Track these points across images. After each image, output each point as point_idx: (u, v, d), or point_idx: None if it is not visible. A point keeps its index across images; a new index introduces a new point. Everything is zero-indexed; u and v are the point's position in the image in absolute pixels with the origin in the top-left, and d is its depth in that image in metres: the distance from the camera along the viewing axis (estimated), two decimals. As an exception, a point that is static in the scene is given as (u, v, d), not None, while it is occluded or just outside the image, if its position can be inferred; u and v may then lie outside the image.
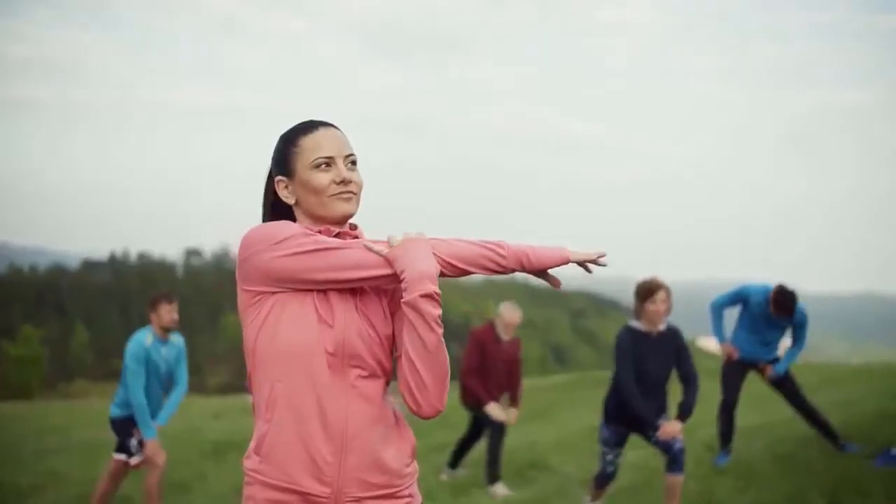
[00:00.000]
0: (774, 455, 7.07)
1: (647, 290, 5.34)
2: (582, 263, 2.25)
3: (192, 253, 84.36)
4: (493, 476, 7.25)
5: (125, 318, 67.97)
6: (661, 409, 5.43)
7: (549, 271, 2.25)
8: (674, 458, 5.33)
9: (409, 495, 2.19)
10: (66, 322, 67.85)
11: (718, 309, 7.10)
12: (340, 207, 2.17)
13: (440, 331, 2.07)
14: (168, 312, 6.26)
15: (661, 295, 5.32)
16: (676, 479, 5.36)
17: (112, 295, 73.11)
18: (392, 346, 2.19)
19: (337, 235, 2.18)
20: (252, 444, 2.14)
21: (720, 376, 7.19)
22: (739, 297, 7.06)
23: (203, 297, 71.03)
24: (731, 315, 7.21)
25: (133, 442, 6.24)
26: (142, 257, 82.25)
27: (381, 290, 2.20)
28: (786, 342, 7.16)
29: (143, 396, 6.12)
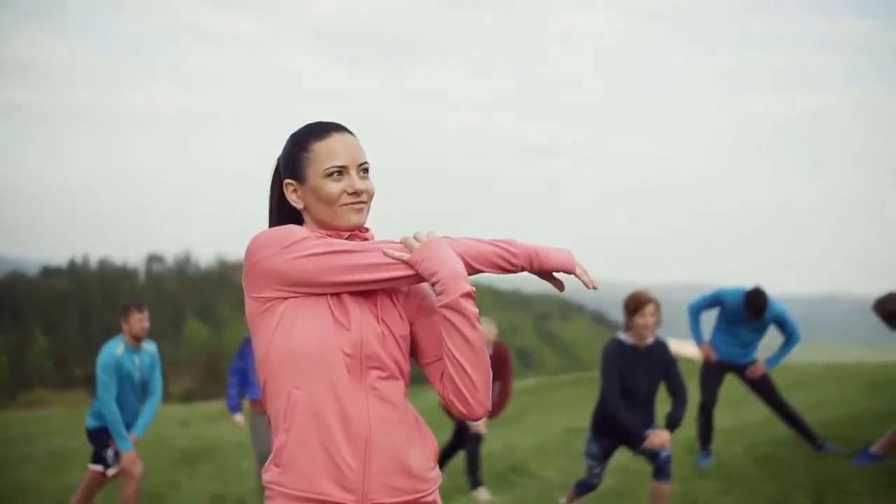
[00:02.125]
0: (754, 457, 7.09)
1: (635, 304, 5.30)
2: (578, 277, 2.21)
3: (154, 259, 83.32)
4: (475, 481, 7.21)
5: (85, 325, 67.06)
6: (648, 422, 5.39)
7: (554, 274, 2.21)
8: (660, 467, 5.30)
9: (434, 501, 2.13)
10: (24, 330, 66.74)
11: (695, 312, 7.11)
12: (351, 218, 2.11)
13: (480, 329, 2.03)
14: (139, 321, 6.13)
15: (649, 308, 5.28)
16: (663, 486, 5.34)
17: (72, 302, 72.04)
18: (408, 347, 2.13)
19: (348, 238, 2.12)
20: (271, 457, 2.07)
21: (698, 378, 7.20)
22: (716, 300, 7.09)
23: (166, 303, 70.15)
24: (709, 318, 7.23)
25: (109, 453, 6.12)
26: (102, 263, 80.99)
27: (395, 291, 2.14)
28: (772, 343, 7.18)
29: (116, 408, 6.01)
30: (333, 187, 2.09)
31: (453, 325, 2.00)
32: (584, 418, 11.03)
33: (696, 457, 7.08)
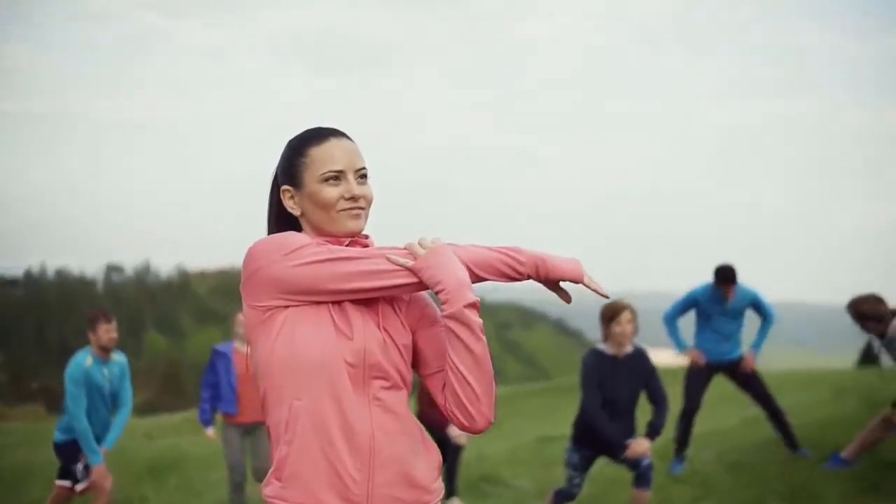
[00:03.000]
0: (727, 463, 7.13)
1: (611, 312, 5.29)
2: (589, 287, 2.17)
3: (112, 269, 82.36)
4: (450, 491, 7.18)
5: (41, 337, 65.99)
6: (629, 432, 5.38)
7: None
8: (642, 474, 5.30)
9: None
10: (-21, 342, 65.55)
11: (671, 319, 7.15)
12: (348, 224, 2.08)
13: (485, 340, 2.00)
14: (107, 332, 6.02)
15: (626, 316, 5.27)
16: (644, 494, 5.34)
17: (28, 313, 70.87)
18: (410, 356, 2.10)
19: (348, 245, 2.09)
20: (272, 470, 2.02)
21: (683, 382, 7.23)
22: (688, 302, 7.15)
23: (124, 314, 69.26)
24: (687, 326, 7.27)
25: (79, 467, 6.00)
26: (60, 273, 79.88)
27: (398, 299, 2.11)
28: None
29: (86, 420, 5.90)
30: (330, 192, 2.05)
31: (457, 335, 1.97)
32: (554, 427, 11.09)
33: (670, 463, 7.11)
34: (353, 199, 2.06)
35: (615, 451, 5.33)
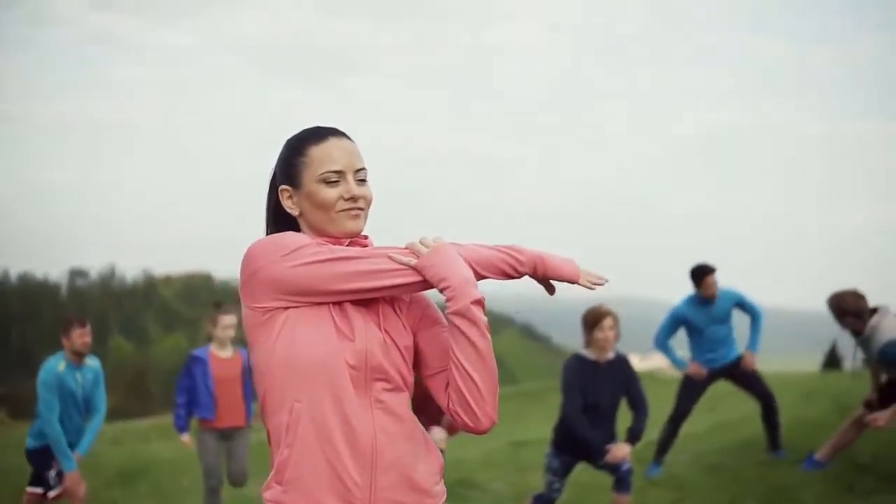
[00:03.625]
0: (703, 465, 7.17)
1: (593, 318, 5.30)
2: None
3: (76, 273, 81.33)
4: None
5: (4, 342, 65.02)
6: (610, 437, 5.39)
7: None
8: (621, 479, 5.31)
9: None
10: (-60, 348, 64.49)
11: (663, 342, 7.18)
12: (347, 225, 2.05)
13: (490, 338, 1.98)
14: (80, 336, 5.95)
15: (608, 322, 5.28)
16: (624, 498, 5.36)
17: (-10, 318, 69.83)
18: (412, 358, 2.07)
19: (348, 245, 2.06)
20: (272, 474, 1.98)
21: (678, 389, 7.26)
22: (675, 321, 7.14)
23: (89, 319, 68.33)
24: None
25: (51, 474, 5.91)
26: (23, 278, 78.71)
27: (398, 300, 2.09)
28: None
29: (59, 426, 5.82)
30: (329, 193, 2.03)
31: (462, 332, 1.94)
32: (525, 432, 11.10)
33: (647, 467, 7.13)
34: (353, 199, 2.03)
35: (596, 456, 5.33)
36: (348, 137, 2.10)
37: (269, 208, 2.16)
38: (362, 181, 2.07)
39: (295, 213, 2.09)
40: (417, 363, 2.10)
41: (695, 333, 7.10)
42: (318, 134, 2.08)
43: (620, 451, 5.27)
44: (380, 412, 1.97)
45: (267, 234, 2.15)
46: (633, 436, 5.40)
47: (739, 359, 7.13)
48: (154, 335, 74.29)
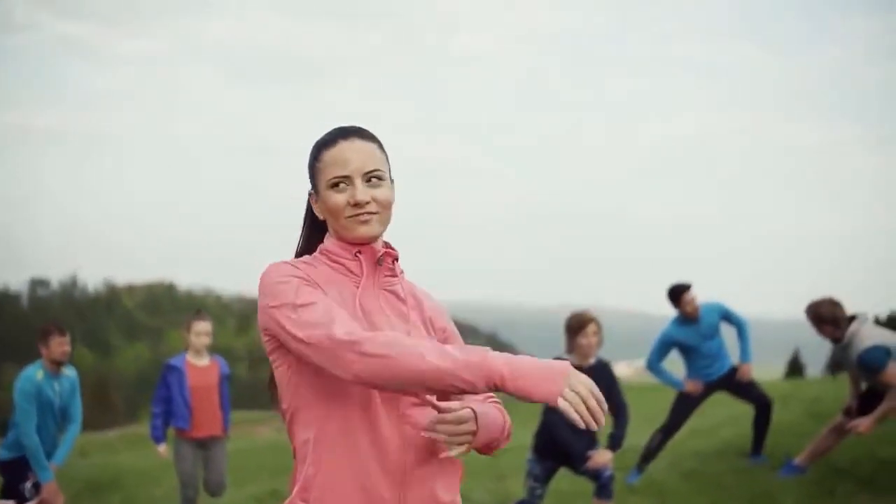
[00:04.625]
0: (681, 472, 7.20)
1: (577, 324, 5.31)
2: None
3: (37, 283, 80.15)
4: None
5: (-36, 353, 63.90)
6: (591, 443, 5.40)
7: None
8: (603, 486, 5.31)
9: None
10: None
11: (655, 365, 7.21)
12: (357, 231, 1.97)
13: None
14: (59, 345, 5.84)
15: (591, 328, 5.30)
16: None
17: (-52, 328, 68.60)
18: None
19: (381, 258, 2.01)
20: (296, 490, 1.94)
21: (673, 400, 7.29)
22: (665, 344, 7.16)
23: (50, 329, 67.53)
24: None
25: (27, 486, 5.80)
26: (-18, 288, 77.46)
27: (425, 313, 2.07)
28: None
29: (37, 436, 5.71)
30: (337, 199, 1.96)
31: None
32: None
33: (628, 473, 7.15)
34: (358, 205, 1.95)
35: (577, 462, 5.33)
36: (365, 137, 2.02)
37: (305, 212, 2.13)
38: (375, 182, 1.98)
39: (321, 217, 2.05)
40: None
41: (687, 352, 7.15)
42: (333, 136, 2.02)
43: (602, 457, 5.28)
44: (408, 427, 1.93)
45: (300, 236, 2.14)
46: (615, 442, 5.41)
47: (734, 370, 7.17)
48: (117, 345, 73.40)
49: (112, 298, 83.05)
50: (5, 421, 5.83)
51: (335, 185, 1.97)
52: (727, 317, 7.17)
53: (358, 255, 2.00)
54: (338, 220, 1.98)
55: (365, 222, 1.96)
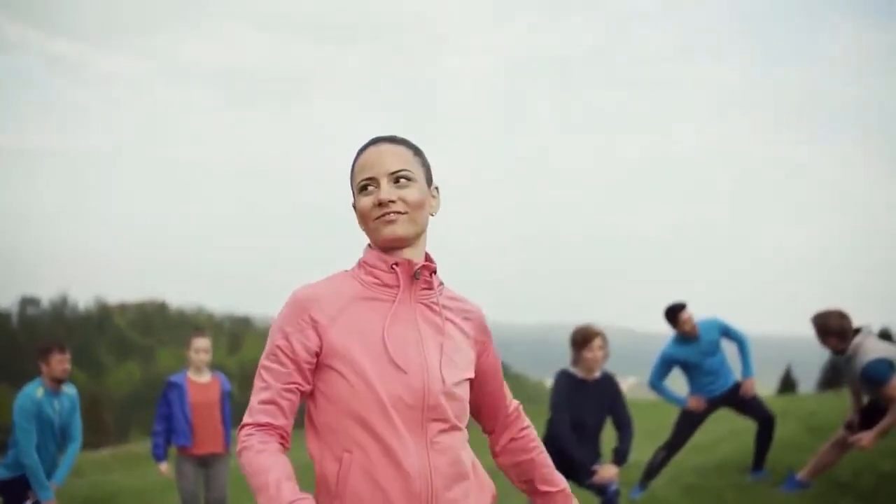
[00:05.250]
0: (682, 487, 7.19)
1: (583, 338, 5.33)
2: None
3: (28, 301, 79.77)
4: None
5: (-47, 372, 63.49)
6: (595, 456, 5.40)
7: None
8: (609, 500, 5.31)
9: None
10: None
11: (658, 384, 7.20)
12: (383, 231, 1.93)
13: None
14: (59, 363, 5.81)
15: (597, 342, 5.31)
16: None
17: (-62, 348, 68.14)
18: (468, 392, 2.02)
19: (418, 271, 1.98)
20: None
21: (677, 417, 7.28)
22: (666, 363, 7.16)
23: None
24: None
25: None
26: (-29, 307, 77.03)
27: (461, 323, 2.04)
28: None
29: (36, 455, 5.68)
30: (364, 202, 1.95)
31: None
32: (485, 458, 11.02)
33: (631, 489, 7.14)
34: (381, 204, 1.93)
35: (583, 475, 5.32)
36: (396, 142, 2.01)
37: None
38: (401, 183, 1.95)
39: (361, 228, 2.03)
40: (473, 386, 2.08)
41: (689, 369, 7.14)
42: (365, 145, 2.02)
43: (608, 471, 5.28)
44: (435, 454, 1.90)
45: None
46: (620, 456, 5.40)
47: (737, 386, 7.16)
48: (108, 364, 73.03)
49: (103, 317, 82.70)
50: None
51: (363, 188, 1.96)
52: (726, 333, 7.16)
53: (395, 267, 1.96)
54: (367, 223, 1.97)
55: (391, 222, 1.93)
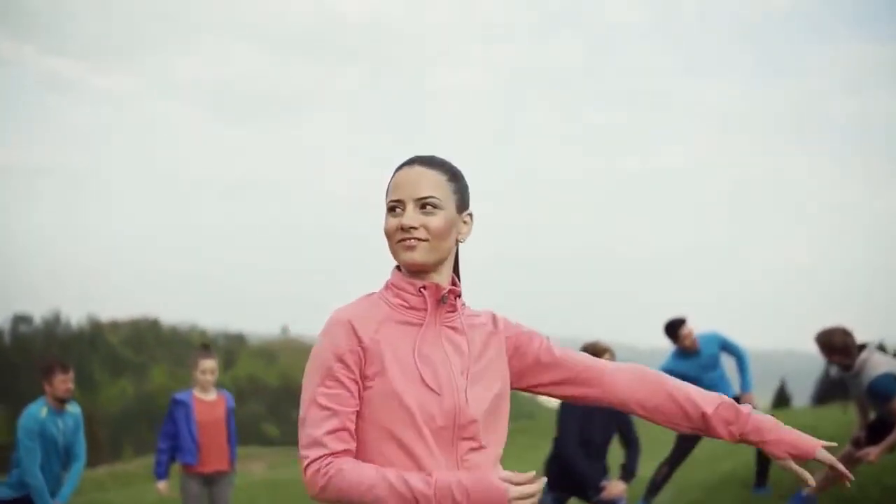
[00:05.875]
0: (686, 502, 7.18)
1: (592, 354, 5.33)
2: None
3: (20, 319, 79.43)
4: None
5: (-55, 391, 63.17)
6: (604, 472, 5.41)
7: None
8: None
9: None
10: None
11: None
12: (402, 256, 1.95)
13: None
14: (63, 382, 5.80)
15: (606, 358, 5.33)
16: None
17: (-71, 366, 67.81)
18: (507, 406, 2.02)
19: (444, 296, 1.98)
20: None
21: (678, 434, 7.28)
22: None
23: (33, 366, 66.94)
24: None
25: None
26: (-37, 325, 76.70)
27: (488, 345, 2.03)
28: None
29: (40, 475, 5.67)
30: (389, 223, 1.96)
31: None
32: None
33: (636, 504, 7.15)
34: (403, 229, 1.94)
35: (591, 491, 5.33)
36: (431, 165, 2.00)
37: None
38: (427, 210, 1.95)
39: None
40: (533, 382, 2.10)
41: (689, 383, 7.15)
42: (401, 164, 2.02)
43: (616, 488, 5.28)
44: (467, 470, 1.90)
45: None
46: (628, 473, 5.41)
47: (737, 400, 7.16)
48: (100, 381, 72.70)
49: (95, 334, 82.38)
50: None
51: (391, 209, 1.97)
52: (725, 347, 7.19)
53: (422, 290, 1.97)
54: (390, 244, 1.98)
55: (410, 248, 1.94)
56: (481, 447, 1.94)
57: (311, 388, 1.90)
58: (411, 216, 1.93)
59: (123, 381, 73.77)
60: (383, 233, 2.00)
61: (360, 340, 1.90)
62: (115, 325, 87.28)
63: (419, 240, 1.94)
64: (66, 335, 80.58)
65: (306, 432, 1.88)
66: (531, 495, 1.81)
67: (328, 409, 1.87)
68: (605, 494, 5.26)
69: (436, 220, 1.94)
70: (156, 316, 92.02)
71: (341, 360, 1.89)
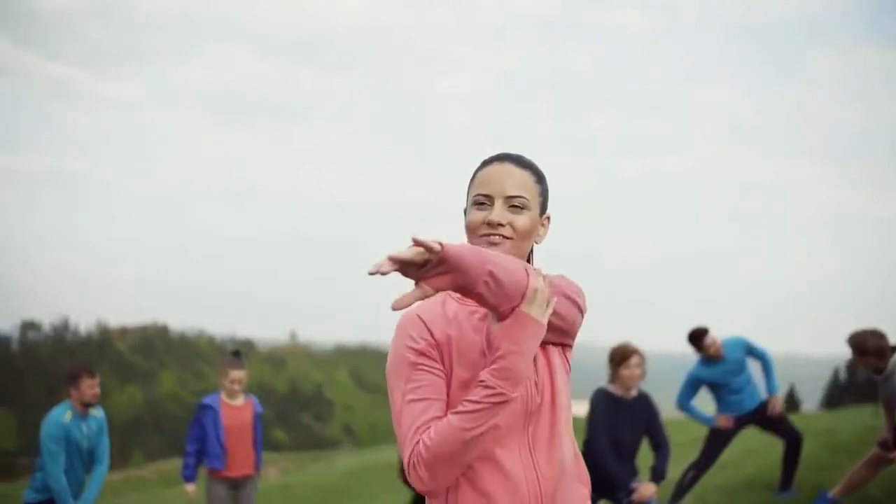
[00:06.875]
0: (710, 506, 7.17)
1: (621, 356, 5.39)
2: None
3: (28, 326, 79.54)
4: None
5: (-46, 397, 63.33)
6: (633, 473, 5.41)
7: None
8: None
9: None
10: None
11: (686, 403, 7.23)
12: None
13: None
14: (90, 387, 5.84)
15: (635, 360, 5.37)
16: None
17: (-61, 373, 67.99)
18: (569, 393, 2.02)
19: None
20: None
21: (707, 436, 7.29)
22: (693, 384, 7.20)
23: (41, 372, 67.03)
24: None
25: None
26: (-28, 332, 76.87)
27: (551, 340, 2.02)
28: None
29: (64, 479, 5.70)
30: (475, 216, 1.97)
31: None
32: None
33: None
34: (491, 224, 1.94)
35: (621, 493, 5.32)
36: (521, 164, 2.01)
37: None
38: (516, 209, 1.96)
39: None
40: None
41: (716, 388, 7.18)
42: (490, 159, 2.02)
43: (647, 489, 5.29)
44: (541, 460, 1.91)
45: None
46: (657, 475, 5.41)
47: (764, 404, 7.17)
48: (110, 388, 72.86)
49: (104, 341, 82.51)
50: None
51: (478, 203, 1.98)
52: (751, 351, 7.20)
53: None
54: (471, 237, 1.98)
55: (494, 244, 1.94)
56: (554, 432, 1.94)
57: (399, 389, 1.89)
58: (500, 213, 1.95)
59: (132, 387, 73.95)
60: (466, 224, 2.00)
61: (432, 334, 1.91)
62: (123, 332, 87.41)
63: (504, 237, 1.95)
64: (74, 342, 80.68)
65: (402, 432, 1.86)
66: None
67: (420, 400, 1.86)
68: (635, 496, 5.26)
69: (522, 220, 1.96)
70: (164, 322, 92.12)
71: (422, 354, 1.90)
